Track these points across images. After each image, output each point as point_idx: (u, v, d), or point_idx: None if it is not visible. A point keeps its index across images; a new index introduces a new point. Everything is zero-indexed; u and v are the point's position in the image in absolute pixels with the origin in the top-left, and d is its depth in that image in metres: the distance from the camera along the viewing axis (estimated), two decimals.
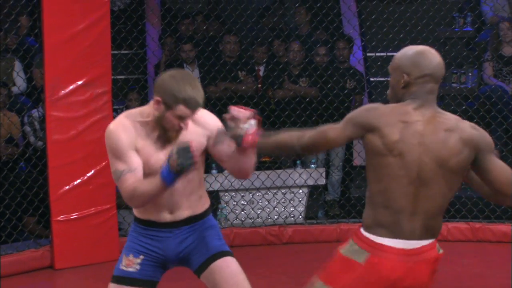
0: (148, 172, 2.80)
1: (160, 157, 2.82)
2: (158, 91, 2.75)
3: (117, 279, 2.91)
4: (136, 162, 2.79)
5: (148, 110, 2.83)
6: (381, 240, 2.51)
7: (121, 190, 2.81)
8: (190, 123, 2.82)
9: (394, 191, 2.51)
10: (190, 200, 2.92)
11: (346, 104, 6.10)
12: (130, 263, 2.91)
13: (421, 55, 2.57)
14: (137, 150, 2.81)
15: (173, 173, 2.66)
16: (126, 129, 2.81)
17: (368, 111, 2.56)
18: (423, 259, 2.53)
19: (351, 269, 2.53)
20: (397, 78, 2.58)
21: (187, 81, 2.75)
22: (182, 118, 2.76)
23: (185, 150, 2.66)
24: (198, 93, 2.75)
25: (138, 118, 2.84)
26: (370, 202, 2.56)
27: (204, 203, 2.99)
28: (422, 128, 2.52)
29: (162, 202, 2.86)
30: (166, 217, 2.90)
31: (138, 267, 2.90)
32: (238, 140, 2.75)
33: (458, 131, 2.54)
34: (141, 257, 2.91)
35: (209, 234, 2.93)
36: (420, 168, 2.50)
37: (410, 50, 2.60)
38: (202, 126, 2.89)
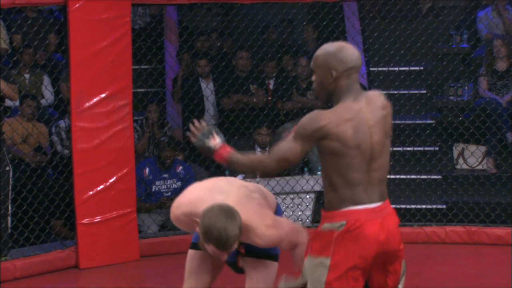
0: None
1: None
2: (199, 226, 2.78)
3: (195, 245, 3.09)
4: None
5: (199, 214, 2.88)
6: (349, 209, 2.62)
7: None
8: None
9: (351, 173, 2.62)
10: None
11: None
12: None
13: (343, 51, 2.66)
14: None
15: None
16: (184, 222, 2.97)
17: (313, 121, 2.61)
18: (388, 213, 2.67)
19: (335, 238, 2.61)
20: (324, 75, 2.66)
21: (220, 225, 2.72)
22: (217, 255, 2.81)
23: (235, 266, 3.14)
24: (229, 235, 2.72)
25: (193, 217, 2.91)
26: (329, 187, 2.66)
27: None
28: (366, 113, 2.64)
29: None
30: None
31: None
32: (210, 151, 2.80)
33: (387, 105, 2.72)
34: None
35: None
36: (372, 147, 2.63)
37: (332, 47, 2.67)
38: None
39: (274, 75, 6.46)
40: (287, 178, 5.79)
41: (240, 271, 3.12)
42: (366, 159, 2.63)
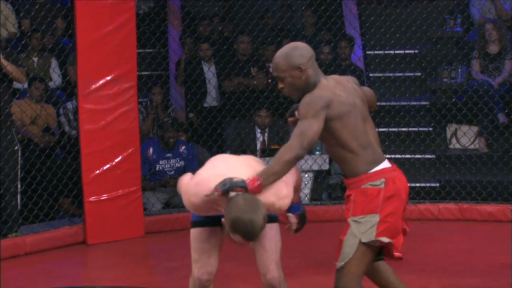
0: None
1: None
2: (225, 215, 2.69)
3: (196, 224, 3.02)
4: None
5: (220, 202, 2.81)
6: (377, 169, 2.82)
7: None
8: None
9: (360, 134, 2.81)
10: None
11: None
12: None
13: (297, 47, 2.83)
14: None
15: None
16: (195, 207, 2.85)
17: (315, 98, 2.76)
18: (399, 171, 2.89)
19: (377, 195, 2.80)
20: (293, 74, 2.81)
21: (248, 219, 2.63)
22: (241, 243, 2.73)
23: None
24: (256, 229, 2.65)
25: (213, 205, 2.82)
26: (348, 155, 2.81)
27: None
28: (342, 84, 2.85)
29: None
30: None
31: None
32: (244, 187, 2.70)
33: (352, 78, 2.94)
34: None
35: None
36: (361, 109, 2.84)
37: (287, 50, 2.83)
38: None
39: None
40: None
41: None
42: (361, 119, 2.82)
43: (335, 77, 2.91)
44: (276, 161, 2.73)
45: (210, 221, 2.98)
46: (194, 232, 3.02)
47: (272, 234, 2.96)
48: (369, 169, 2.81)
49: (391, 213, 2.80)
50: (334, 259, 2.87)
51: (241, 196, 2.68)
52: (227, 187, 2.68)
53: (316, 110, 2.73)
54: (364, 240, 2.79)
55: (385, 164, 2.84)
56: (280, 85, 2.87)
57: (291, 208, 2.96)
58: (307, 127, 2.72)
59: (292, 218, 3.00)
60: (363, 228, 2.80)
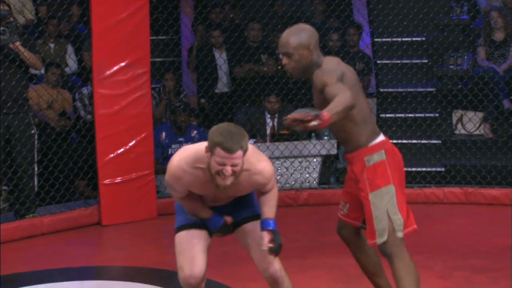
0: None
1: (209, 196, 2.87)
2: (208, 139, 2.69)
3: (181, 228, 2.96)
4: (184, 192, 2.86)
5: (204, 156, 2.73)
6: (378, 140, 3.00)
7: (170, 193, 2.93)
8: (245, 181, 2.75)
9: (363, 107, 2.98)
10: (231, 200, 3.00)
11: None
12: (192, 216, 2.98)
13: (305, 29, 3.00)
14: (191, 188, 2.83)
15: (212, 230, 2.93)
16: (184, 175, 2.77)
17: (334, 65, 2.94)
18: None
19: (384, 166, 2.98)
20: (302, 53, 2.96)
21: (227, 129, 2.65)
22: (222, 164, 2.64)
23: (225, 227, 2.92)
24: (234, 138, 2.62)
25: (198, 164, 2.76)
26: (353, 128, 2.97)
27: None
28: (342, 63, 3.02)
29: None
30: (208, 204, 2.96)
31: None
32: (318, 115, 2.74)
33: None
34: None
35: (246, 198, 2.97)
36: (359, 85, 3.03)
37: (297, 29, 3.00)
38: (251, 186, 2.85)
39: None
40: (295, 142, 5.78)
41: (228, 229, 2.97)
42: (362, 94, 3.00)
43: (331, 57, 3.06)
44: (337, 104, 2.79)
45: (196, 224, 2.92)
46: (180, 235, 2.91)
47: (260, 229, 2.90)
48: (369, 141, 2.98)
49: (400, 181, 3.00)
50: (367, 237, 3.03)
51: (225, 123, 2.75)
52: (314, 113, 2.70)
53: (338, 77, 2.87)
54: (390, 210, 2.95)
55: (382, 136, 3.02)
56: (285, 61, 2.99)
57: (263, 223, 2.86)
58: (342, 86, 2.84)
59: (265, 235, 2.85)
60: (386, 199, 2.96)
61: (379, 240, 2.99)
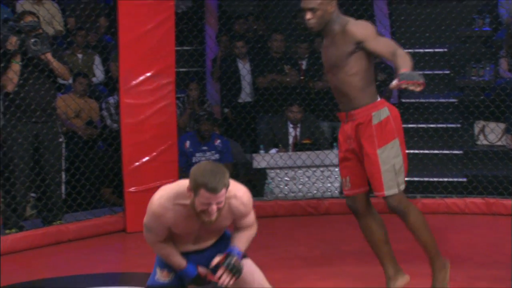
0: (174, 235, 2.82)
1: (192, 235, 2.80)
2: (189, 180, 2.64)
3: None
4: (163, 235, 2.79)
5: (185, 192, 2.69)
6: (379, 99, 3.28)
7: (146, 239, 2.86)
8: (225, 210, 2.69)
9: (372, 67, 3.26)
10: (212, 239, 2.91)
11: None
12: (164, 276, 2.90)
13: None
14: (172, 227, 2.76)
15: (186, 279, 2.84)
16: (166, 212, 2.72)
17: (369, 23, 3.24)
18: None
19: (390, 122, 3.21)
20: (326, 9, 3.20)
21: (208, 169, 2.60)
22: (208, 204, 2.61)
23: (199, 278, 2.84)
24: (217, 178, 2.58)
25: (179, 200, 2.71)
26: (362, 86, 3.22)
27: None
28: None
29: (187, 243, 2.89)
30: (190, 247, 2.88)
31: (170, 278, 2.90)
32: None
33: None
34: (173, 272, 2.89)
35: (227, 242, 2.88)
36: None
37: None
38: (231, 213, 2.78)
39: (306, 56, 6.41)
40: (318, 152, 5.77)
41: (202, 281, 2.87)
42: None
43: None
44: (408, 60, 3.04)
45: (171, 285, 2.86)
46: None
47: (250, 265, 2.85)
48: (374, 99, 3.23)
49: (401, 134, 3.22)
50: (374, 190, 3.26)
51: (204, 161, 2.73)
52: (422, 80, 2.94)
53: (377, 32, 3.17)
54: (396, 165, 3.18)
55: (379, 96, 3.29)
56: (309, 16, 3.21)
57: (228, 248, 2.82)
58: (391, 41, 3.20)
59: (219, 255, 2.82)
60: (392, 154, 3.18)
61: (387, 192, 3.19)
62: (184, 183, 2.71)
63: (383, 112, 3.21)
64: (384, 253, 3.34)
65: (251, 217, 2.85)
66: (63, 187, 5.13)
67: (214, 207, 2.63)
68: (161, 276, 2.89)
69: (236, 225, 2.85)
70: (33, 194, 5.12)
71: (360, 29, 3.16)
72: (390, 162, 3.18)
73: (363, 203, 3.34)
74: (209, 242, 2.89)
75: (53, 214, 4.96)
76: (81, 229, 4.99)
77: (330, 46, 3.26)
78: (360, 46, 3.18)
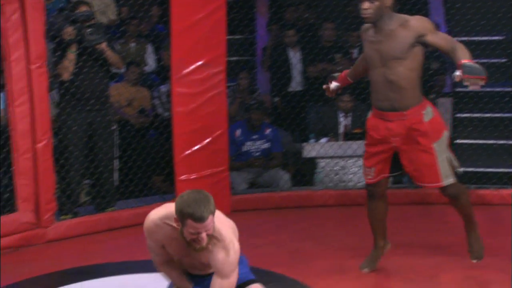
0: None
1: (184, 259, 2.81)
2: (175, 211, 2.64)
3: None
4: (163, 254, 2.84)
5: (175, 222, 2.70)
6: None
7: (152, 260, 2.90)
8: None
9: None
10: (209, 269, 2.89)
11: (430, 83, 5.92)
12: None
13: None
14: (166, 246, 2.79)
15: None
16: (157, 229, 2.76)
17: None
18: None
19: (438, 116, 3.56)
20: (383, 1, 3.38)
21: (192, 199, 2.59)
22: (196, 233, 2.61)
23: None
24: (201, 207, 2.58)
25: (167, 220, 2.74)
26: (417, 82, 3.47)
27: None
28: None
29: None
30: (194, 271, 2.89)
31: None
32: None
33: None
34: None
35: (239, 267, 2.83)
36: None
37: None
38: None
39: (357, 44, 6.33)
40: (349, 142, 5.70)
41: None
42: None
43: None
44: (467, 52, 3.35)
45: None
46: None
47: None
48: (421, 99, 3.50)
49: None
50: (424, 183, 3.55)
51: (189, 190, 2.65)
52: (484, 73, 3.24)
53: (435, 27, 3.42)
54: (449, 155, 3.51)
55: None
56: (367, 6, 3.37)
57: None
58: (450, 37, 3.42)
59: None
60: (445, 145, 3.49)
61: (445, 182, 3.51)
62: (172, 207, 2.71)
63: (429, 109, 3.49)
64: (382, 228, 3.78)
65: (236, 276, 2.75)
66: (116, 175, 5.21)
67: (203, 234, 2.62)
68: None
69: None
70: (87, 181, 5.21)
71: (422, 22, 3.37)
72: (445, 153, 3.48)
73: (384, 187, 3.70)
74: (208, 270, 2.86)
75: (106, 201, 5.04)
76: (133, 216, 5.05)
77: (386, 40, 3.42)
78: (420, 40, 3.40)
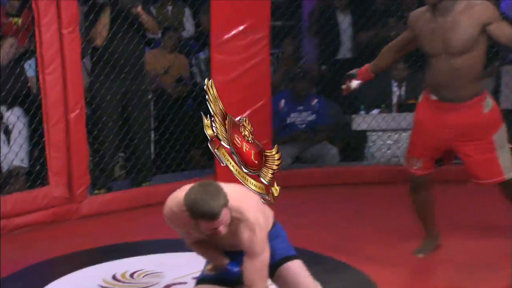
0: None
1: (211, 241, 2.77)
2: (186, 209, 2.59)
3: (199, 281, 2.91)
4: (190, 236, 2.80)
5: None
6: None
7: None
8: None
9: None
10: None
11: (494, 50, 5.68)
12: (211, 270, 2.90)
13: None
14: (189, 230, 2.75)
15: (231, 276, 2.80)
16: (174, 216, 2.72)
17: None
18: None
19: (496, 108, 3.54)
20: None
21: (200, 196, 2.54)
22: (213, 229, 2.58)
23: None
24: (212, 203, 2.53)
25: (183, 207, 2.66)
26: (481, 72, 3.45)
27: None
28: None
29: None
30: (226, 249, 2.85)
31: (216, 272, 2.88)
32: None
33: None
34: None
35: (276, 242, 2.83)
36: None
37: None
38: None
39: (414, 6, 6.09)
40: (403, 114, 5.56)
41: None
42: None
43: None
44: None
45: (219, 280, 2.83)
46: None
47: (296, 267, 2.80)
48: (480, 90, 3.48)
49: None
50: (483, 179, 3.52)
51: (197, 183, 2.61)
52: None
53: None
54: (509, 147, 3.48)
55: None
56: None
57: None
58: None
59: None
60: (504, 137, 3.47)
61: (508, 176, 3.48)
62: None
63: (489, 100, 3.48)
64: (432, 218, 3.76)
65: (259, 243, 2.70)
66: (152, 147, 5.16)
67: (221, 228, 2.60)
68: (207, 269, 2.90)
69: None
70: (121, 154, 5.18)
71: (492, 11, 3.33)
72: (505, 145, 3.47)
73: (429, 180, 3.69)
74: (239, 247, 2.80)
75: (142, 175, 5.01)
76: (170, 192, 4.87)
77: (450, 29, 3.36)
78: (485, 28, 3.34)
